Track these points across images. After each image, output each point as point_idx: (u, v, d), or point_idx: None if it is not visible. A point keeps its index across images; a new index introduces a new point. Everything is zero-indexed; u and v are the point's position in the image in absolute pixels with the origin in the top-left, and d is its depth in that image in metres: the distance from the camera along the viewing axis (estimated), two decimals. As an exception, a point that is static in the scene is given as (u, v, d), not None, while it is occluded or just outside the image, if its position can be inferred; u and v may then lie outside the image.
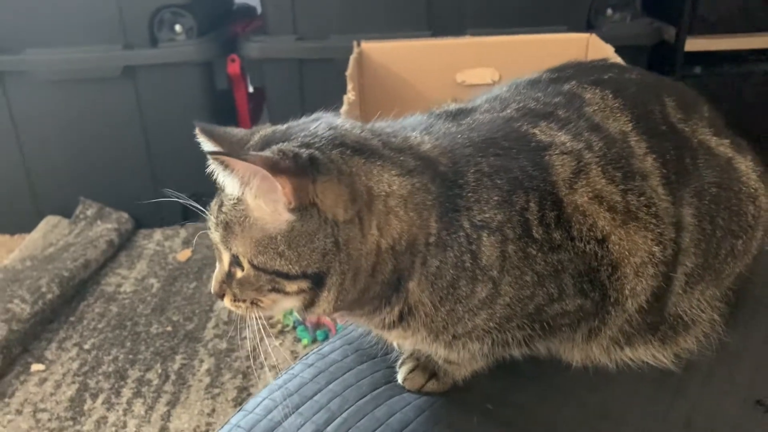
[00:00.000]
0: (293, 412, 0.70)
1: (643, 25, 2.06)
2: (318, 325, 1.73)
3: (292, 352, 1.69)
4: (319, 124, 0.66)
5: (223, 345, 1.72)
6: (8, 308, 1.71)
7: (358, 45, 1.89)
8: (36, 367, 1.67)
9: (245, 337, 1.92)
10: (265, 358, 1.66)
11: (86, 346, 1.73)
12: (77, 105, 2.09)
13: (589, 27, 2.03)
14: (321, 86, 2.07)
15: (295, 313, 1.83)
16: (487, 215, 0.64)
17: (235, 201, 0.62)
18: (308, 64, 2.06)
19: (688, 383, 0.73)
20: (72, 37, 2.01)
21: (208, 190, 2.29)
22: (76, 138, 2.13)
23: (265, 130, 0.67)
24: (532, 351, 0.73)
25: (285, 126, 0.67)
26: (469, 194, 0.65)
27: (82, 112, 2.10)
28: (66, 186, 2.20)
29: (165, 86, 2.07)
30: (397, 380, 0.75)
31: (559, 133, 0.69)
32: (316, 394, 0.72)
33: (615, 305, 0.69)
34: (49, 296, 1.80)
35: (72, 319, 1.84)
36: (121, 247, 2.15)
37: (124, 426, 1.48)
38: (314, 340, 1.73)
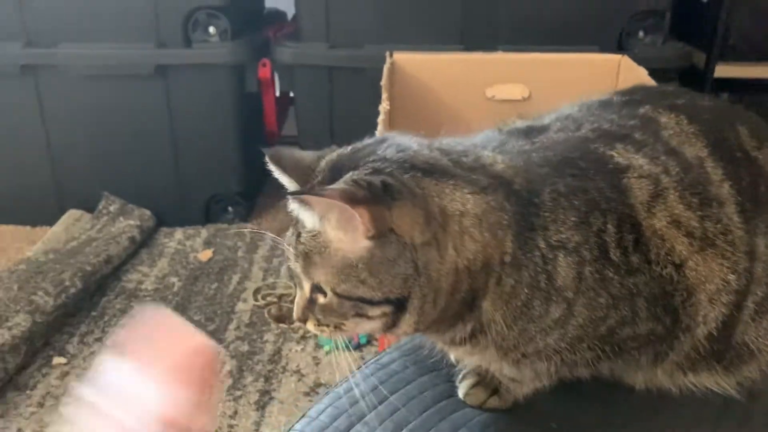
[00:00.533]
0: (359, 421, 0.70)
1: (674, 49, 2.07)
2: (340, 333, 1.73)
3: (314, 357, 1.70)
4: (387, 147, 0.66)
5: (245, 347, 1.72)
6: (32, 300, 1.71)
7: (391, 55, 1.91)
8: (58, 360, 1.67)
9: (267, 341, 1.91)
10: (287, 363, 1.68)
11: (108, 342, 1.72)
12: (107, 101, 2.10)
13: (620, 48, 2.04)
14: (351, 95, 2.08)
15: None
16: (563, 235, 0.64)
17: (314, 233, 0.63)
18: (339, 72, 2.07)
19: (752, 414, 0.73)
20: (106, 33, 2.02)
21: (230, 191, 2.30)
22: (103, 133, 2.14)
23: (331, 155, 0.67)
24: (596, 372, 0.73)
25: (350, 149, 0.68)
26: (546, 214, 0.65)
27: (112, 108, 2.11)
28: (90, 180, 2.21)
29: (196, 87, 2.08)
30: (457, 395, 0.75)
31: (636, 156, 0.69)
32: (379, 404, 0.72)
33: (686, 331, 0.69)
34: (72, 290, 1.80)
35: (94, 314, 1.84)
36: (142, 244, 2.15)
37: (147, 424, 1.48)
38: (336, 347, 1.72)
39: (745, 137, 0.75)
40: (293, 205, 0.64)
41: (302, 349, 1.72)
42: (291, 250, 0.65)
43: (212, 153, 2.16)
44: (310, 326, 0.67)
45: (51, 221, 2.19)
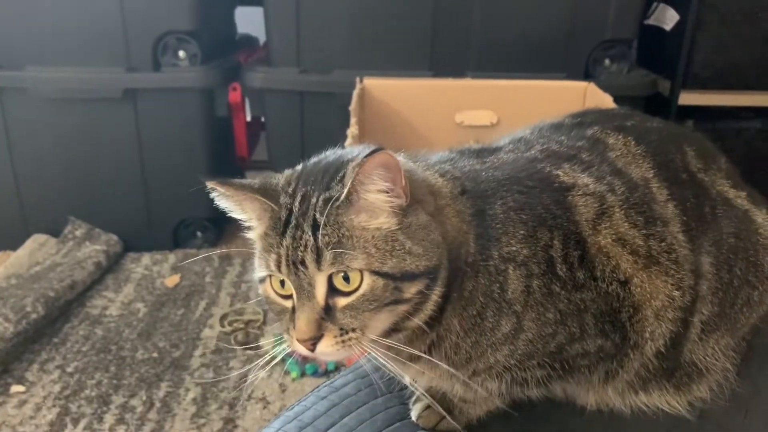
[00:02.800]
0: (307, 445, 0.69)
1: (639, 77, 2.11)
2: (307, 359, 1.71)
3: (281, 384, 1.67)
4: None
5: (210, 374, 1.69)
6: (-9, 326, 1.67)
7: (361, 81, 1.92)
8: (16, 388, 1.62)
9: (232, 367, 1.88)
10: (253, 390, 1.65)
11: (69, 369, 1.69)
12: (74, 124, 2.08)
13: (587, 76, 2.08)
14: (321, 119, 2.08)
15: (285, 345, 1.81)
16: (513, 248, 0.65)
17: (339, 220, 0.60)
18: (309, 96, 2.08)
19: (702, 432, 0.73)
20: (74, 56, 2.01)
21: (199, 216, 2.26)
22: (70, 157, 2.12)
23: (289, 172, 0.67)
24: (548, 392, 0.72)
25: (312, 161, 0.67)
26: (498, 225, 0.66)
27: (79, 131, 2.09)
28: (56, 205, 2.18)
29: (165, 111, 2.07)
30: (410, 417, 0.74)
31: (582, 175, 0.70)
32: (330, 427, 0.71)
33: (634, 348, 0.69)
34: (34, 316, 1.77)
35: (55, 340, 1.79)
36: (108, 269, 2.11)
37: (106, 454, 1.44)
38: (303, 374, 1.70)
39: (692, 159, 0.76)
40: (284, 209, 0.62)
41: (269, 376, 1.69)
42: (306, 253, 0.60)
43: (181, 177, 2.14)
44: (327, 343, 0.61)
45: (14, 246, 2.15)
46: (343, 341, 0.61)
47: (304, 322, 0.60)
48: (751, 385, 0.77)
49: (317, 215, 0.60)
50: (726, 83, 2.09)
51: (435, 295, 0.63)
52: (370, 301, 0.60)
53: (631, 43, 2.14)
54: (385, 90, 1.95)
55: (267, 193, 0.64)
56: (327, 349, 0.61)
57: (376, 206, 0.60)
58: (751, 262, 0.73)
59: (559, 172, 0.70)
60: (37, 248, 2.14)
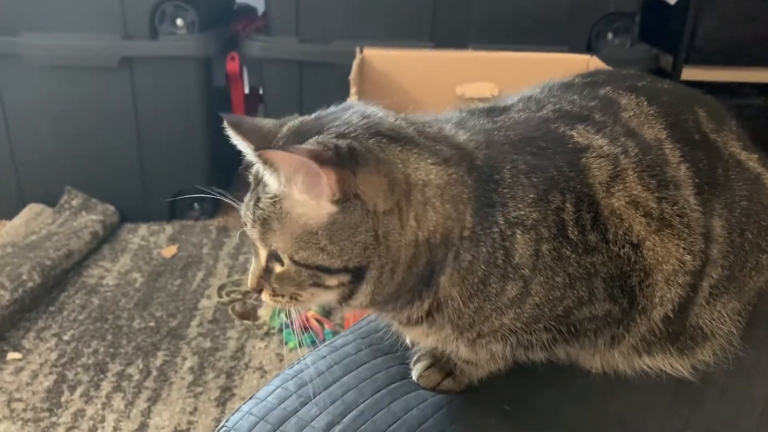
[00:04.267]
0: (308, 402, 0.68)
1: (641, 51, 2.09)
2: (305, 329, 1.71)
3: (278, 354, 1.67)
4: (353, 113, 0.64)
5: (207, 344, 1.68)
6: (-13, 294, 1.66)
7: (361, 51, 1.89)
8: (12, 355, 1.62)
9: (230, 338, 1.88)
10: (250, 359, 1.64)
11: (65, 337, 1.68)
12: (70, 93, 2.05)
13: (589, 49, 2.06)
14: (320, 90, 2.06)
15: (283, 316, 1.81)
16: (522, 212, 0.63)
17: (274, 197, 0.61)
18: (308, 66, 2.05)
19: (705, 396, 0.72)
20: (70, 23, 1.98)
21: (195, 186, 2.26)
22: (66, 126, 2.09)
23: (293, 121, 0.66)
24: (553, 356, 0.72)
25: (314, 116, 0.66)
26: (505, 190, 0.64)
27: (75, 100, 2.06)
28: (52, 174, 2.16)
29: (162, 79, 2.04)
30: (411, 377, 0.74)
31: (596, 137, 0.69)
32: (330, 385, 0.70)
33: (642, 313, 0.68)
34: (30, 284, 1.76)
35: (52, 309, 1.79)
36: (105, 239, 2.10)
37: (103, 420, 1.44)
38: (301, 344, 1.70)
39: (704, 119, 0.75)
40: (256, 167, 0.63)
41: (266, 346, 1.69)
42: (249, 215, 0.63)
43: (178, 148, 2.12)
44: (265, 297, 0.65)
45: (10, 215, 2.14)
46: (277, 301, 0.65)
47: (250, 274, 0.66)
48: (756, 351, 0.77)
49: (260, 188, 0.62)
50: (729, 59, 2.07)
51: (367, 288, 0.62)
52: (290, 279, 0.63)
53: (634, 17, 2.11)
54: (386, 60, 1.93)
55: (261, 145, 0.63)
56: (268, 300, 0.66)
57: (296, 197, 0.60)
58: (763, 226, 0.72)
59: (573, 133, 0.69)
60: (33, 218, 2.12)
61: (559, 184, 0.65)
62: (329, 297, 0.64)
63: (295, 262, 0.61)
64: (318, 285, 0.62)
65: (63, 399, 1.49)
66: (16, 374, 1.56)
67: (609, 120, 0.71)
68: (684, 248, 0.67)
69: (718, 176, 0.72)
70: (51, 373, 1.56)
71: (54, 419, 1.43)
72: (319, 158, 0.57)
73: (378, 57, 1.92)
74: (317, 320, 1.72)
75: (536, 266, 0.64)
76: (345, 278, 0.61)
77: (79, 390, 1.51)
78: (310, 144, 0.60)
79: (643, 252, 0.66)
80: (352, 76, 1.74)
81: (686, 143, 0.71)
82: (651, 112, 0.73)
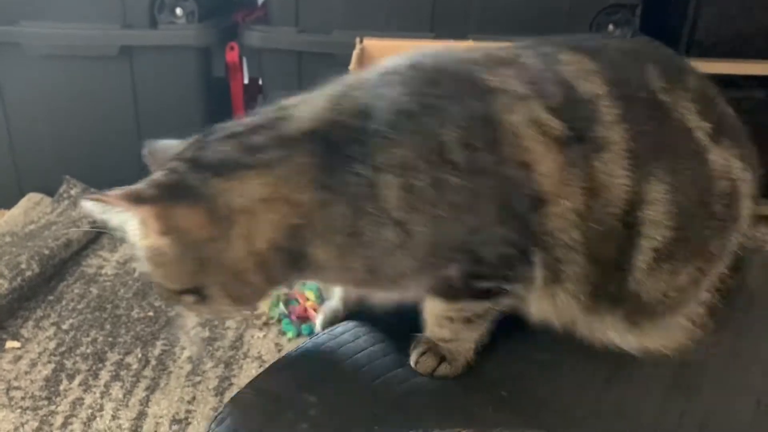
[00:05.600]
0: (305, 389, 0.68)
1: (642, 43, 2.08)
2: (304, 319, 1.71)
3: (277, 344, 1.67)
4: (190, 143, 0.69)
5: (206, 333, 1.69)
6: (-15, 283, 1.66)
7: (361, 41, 1.89)
8: (11, 344, 1.62)
9: (228, 327, 1.89)
10: (248, 349, 1.65)
11: (64, 326, 1.68)
12: (69, 82, 2.05)
13: (589, 41, 2.05)
14: (319, 80, 2.05)
15: (282, 306, 1.81)
16: (389, 154, 0.64)
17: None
18: (308, 57, 2.05)
19: (702, 386, 0.72)
20: (69, 12, 1.97)
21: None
22: (65, 115, 2.09)
23: (184, 143, 0.71)
24: (507, 307, 0.72)
25: (189, 141, 0.72)
26: (373, 139, 0.65)
27: (74, 89, 2.06)
28: (51, 163, 2.15)
29: (161, 69, 2.04)
30: (409, 364, 0.74)
31: (514, 81, 0.68)
32: (327, 373, 0.71)
33: (545, 251, 0.68)
34: (29, 273, 1.76)
35: (51, 298, 1.79)
36: (104, 229, 2.10)
37: (101, 409, 1.44)
38: (299, 334, 1.70)
39: (655, 77, 0.72)
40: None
41: (264, 336, 1.69)
42: None
43: (177, 137, 2.11)
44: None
45: (9, 204, 2.14)
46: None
47: None
48: (751, 340, 0.77)
49: None
50: (731, 52, 2.06)
51: (220, 300, 0.66)
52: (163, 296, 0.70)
53: (635, 9, 2.10)
54: (386, 51, 1.91)
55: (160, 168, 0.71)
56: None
57: (134, 232, 0.67)
58: (714, 195, 0.71)
59: (488, 76, 0.69)
60: (31, 207, 2.12)
61: (453, 115, 0.65)
62: (201, 310, 0.70)
63: (157, 284, 0.68)
64: (180, 302, 0.69)
65: (61, 387, 1.49)
66: (14, 363, 1.56)
67: (539, 68, 0.70)
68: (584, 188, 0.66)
69: (663, 137, 0.70)
70: (49, 362, 1.56)
71: (52, 407, 1.44)
72: (137, 198, 0.63)
73: (378, 47, 1.91)
74: (315, 310, 1.72)
75: (412, 205, 0.64)
76: (190, 298, 0.67)
77: (78, 379, 1.52)
78: (142, 182, 0.66)
79: (536, 177, 0.65)
80: (352, 66, 1.74)
81: (629, 101, 0.69)
82: (591, 68, 0.71)
